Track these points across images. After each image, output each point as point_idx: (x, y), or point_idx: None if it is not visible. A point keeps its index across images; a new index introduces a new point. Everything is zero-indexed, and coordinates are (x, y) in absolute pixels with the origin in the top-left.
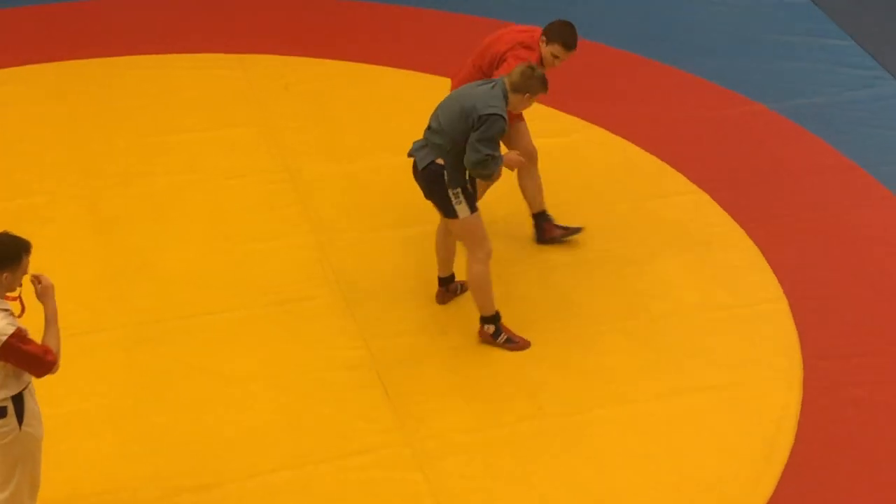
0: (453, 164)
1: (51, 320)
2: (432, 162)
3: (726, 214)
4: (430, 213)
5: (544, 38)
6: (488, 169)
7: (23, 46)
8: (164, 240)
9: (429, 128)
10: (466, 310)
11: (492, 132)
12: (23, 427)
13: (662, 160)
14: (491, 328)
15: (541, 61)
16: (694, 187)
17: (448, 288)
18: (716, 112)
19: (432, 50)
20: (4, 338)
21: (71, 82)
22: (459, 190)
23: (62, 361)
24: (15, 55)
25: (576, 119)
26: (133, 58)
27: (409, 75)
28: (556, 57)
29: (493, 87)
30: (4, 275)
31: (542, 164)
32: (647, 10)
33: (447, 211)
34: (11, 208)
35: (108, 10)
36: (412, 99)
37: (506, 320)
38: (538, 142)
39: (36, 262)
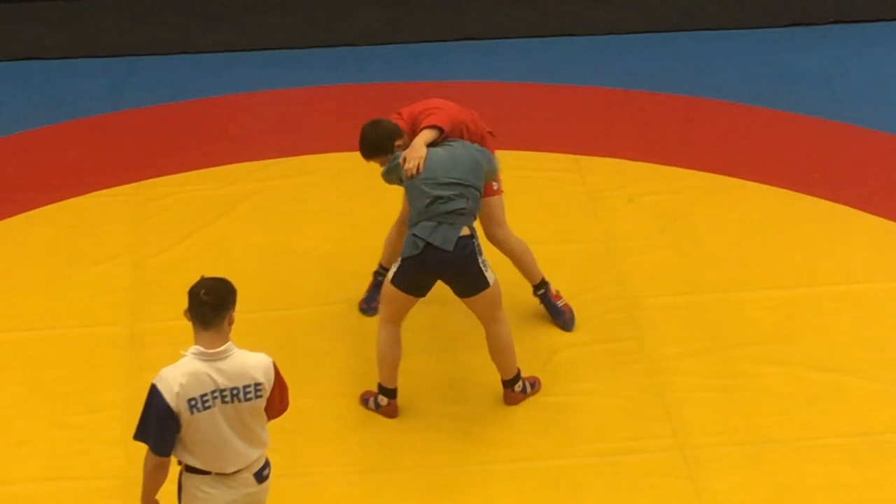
0: (472, 224)
1: None
2: (460, 238)
3: None
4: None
5: None
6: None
7: (328, 129)
8: None
9: (434, 200)
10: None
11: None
12: None
13: None
14: (520, 385)
15: None
16: None
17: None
18: None
19: (808, 164)
20: (271, 361)
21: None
22: (483, 255)
23: None
24: (317, 140)
25: None
26: None
27: (781, 194)
28: None
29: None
30: (232, 313)
31: None
32: None
33: (477, 285)
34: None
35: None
36: (784, 223)
37: None
38: None
39: None
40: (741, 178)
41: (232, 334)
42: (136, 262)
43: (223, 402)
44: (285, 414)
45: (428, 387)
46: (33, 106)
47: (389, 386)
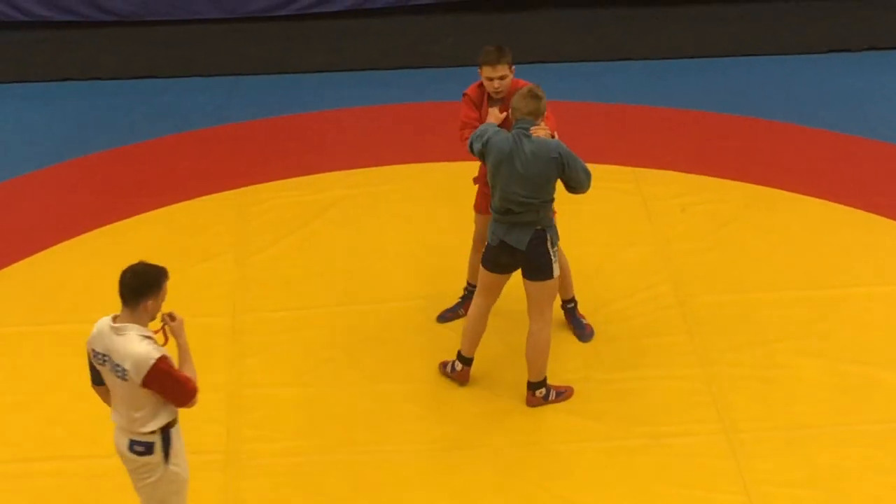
0: (547, 222)
1: (185, 354)
2: (534, 233)
3: None
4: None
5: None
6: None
7: (410, 142)
8: None
9: (508, 212)
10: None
11: (573, 154)
12: (169, 465)
13: None
14: (542, 391)
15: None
16: None
17: (469, 368)
18: None
19: (843, 177)
20: (152, 361)
21: (455, 184)
22: (557, 245)
23: None
24: (400, 152)
25: None
26: None
27: (819, 204)
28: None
29: (526, 136)
30: (149, 302)
31: None
32: None
33: (545, 273)
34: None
35: None
36: (822, 230)
37: None
38: None
39: None
40: (783, 189)
41: (322, 325)
42: (238, 259)
43: (103, 363)
44: (373, 396)
45: (501, 375)
46: (148, 119)
47: (467, 355)
